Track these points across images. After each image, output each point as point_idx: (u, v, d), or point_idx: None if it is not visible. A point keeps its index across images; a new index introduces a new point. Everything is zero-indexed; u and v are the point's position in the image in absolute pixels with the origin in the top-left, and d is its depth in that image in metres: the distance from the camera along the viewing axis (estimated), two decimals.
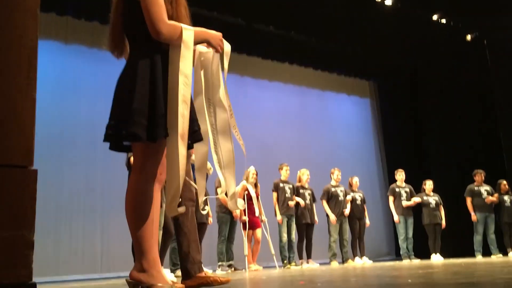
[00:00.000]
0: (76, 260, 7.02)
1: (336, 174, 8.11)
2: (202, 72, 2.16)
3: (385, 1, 9.20)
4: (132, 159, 3.14)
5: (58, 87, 7.27)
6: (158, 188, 2.02)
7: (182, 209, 1.94)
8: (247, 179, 7.08)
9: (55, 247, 6.78)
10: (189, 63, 1.94)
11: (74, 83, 7.63)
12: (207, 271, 6.53)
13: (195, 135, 2.02)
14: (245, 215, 6.90)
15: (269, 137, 9.52)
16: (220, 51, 2.16)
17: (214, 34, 2.13)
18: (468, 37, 10.51)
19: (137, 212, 1.93)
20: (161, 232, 3.98)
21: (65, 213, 7.06)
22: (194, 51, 2.11)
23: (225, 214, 6.77)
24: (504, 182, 8.33)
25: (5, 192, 1.41)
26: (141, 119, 1.86)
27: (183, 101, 1.88)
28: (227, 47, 2.21)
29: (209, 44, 2.13)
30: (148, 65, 1.93)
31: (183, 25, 1.96)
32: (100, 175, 7.39)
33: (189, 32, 1.96)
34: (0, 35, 1.51)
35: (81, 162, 7.34)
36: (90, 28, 7.77)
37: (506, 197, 8.22)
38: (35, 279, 1.39)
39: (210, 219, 6.54)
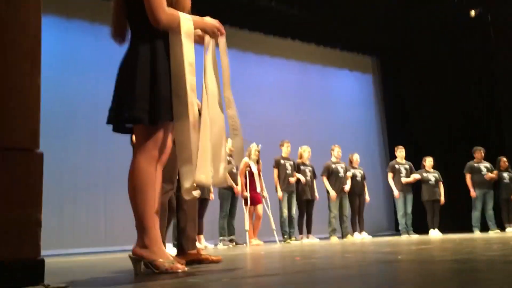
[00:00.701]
0: (80, 234, 7.19)
1: (337, 151, 8.19)
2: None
3: None
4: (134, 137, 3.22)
5: (58, 63, 7.26)
6: (160, 169, 2.10)
7: (197, 193, 2.04)
8: (249, 156, 7.18)
9: (60, 222, 6.92)
10: (191, 51, 1.99)
11: (75, 59, 7.65)
12: (207, 245, 6.69)
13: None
14: (246, 191, 7.02)
15: (270, 113, 9.57)
16: (215, 37, 2.19)
17: (210, 23, 2.17)
18: (472, 12, 10.39)
19: (138, 191, 2.02)
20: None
21: (69, 188, 7.18)
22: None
23: (226, 190, 6.88)
24: (504, 159, 8.40)
25: (13, 174, 1.50)
26: (142, 103, 1.93)
27: (192, 90, 1.95)
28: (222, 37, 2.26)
29: (205, 31, 2.17)
30: (149, 51, 1.99)
31: (182, 14, 2.01)
32: (103, 151, 7.47)
33: (188, 21, 2.01)
34: (6, 28, 1.57)
35: (84, 138, 7.43)
36: (91, 3, 7.77)
37: (505, 174, 8.30)
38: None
39: (212, 195, 6.66)
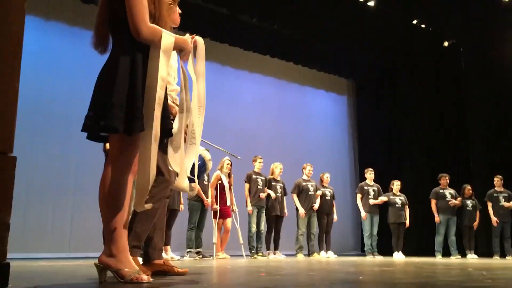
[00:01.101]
0: (45, 238, 7.05)
1: (308, 169, 8.30)
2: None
3: (368, 2, 9.37)
4: (108, 146, 3.23)
5: (35, 63, 7.18)
6: (131, 179, 2.12)
7: (148, 206, 2.07)
8: (221, 169, 7.21)
9: (25, 224, 6.78)
10: (166, 67, 2.05)
11: (52, 60, 7.57)
12: (174, 256, 6.63)
13: (166, 132, 2.13)
14: (217, 203, 7.03)
15: (246, 127, 9.65)
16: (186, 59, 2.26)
17: (189, 42, 2.22)
18: (446, 43, 10.78)
19: (109, 200, 2.04)
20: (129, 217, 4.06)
21: (37, 190, 7.05)
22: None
23: (196, 202, 6.88)
24: (469, 187, 8.66)
25: None
26: (119, 112, 1.96)
27: (158, 104, 2.00)
28: (200, 42, 2.33)
29: (183, 50, 2.21)
30: (129, 62, 2.02)
31: (164, 31, 2.06)
32: (74, 155, 7.38)
33: (169, 38, 2.07)
34: None
35: (56, 141, 7.32)
36: (71, 5, 7.73)
37: (468, 202, 8.56)
38: None
39: (182, 206, 6.65)
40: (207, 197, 6.91)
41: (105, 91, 2.00)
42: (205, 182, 6.89)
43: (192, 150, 2.29)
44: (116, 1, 2.05)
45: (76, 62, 7.50)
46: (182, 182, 2.22)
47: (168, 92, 2.39)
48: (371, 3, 9.37)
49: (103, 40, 2.15)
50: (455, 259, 7.76)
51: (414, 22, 10.12)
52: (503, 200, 8.37)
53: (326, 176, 8.67)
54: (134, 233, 2.60)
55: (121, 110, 1.97)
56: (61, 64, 7.61)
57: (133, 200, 2.09)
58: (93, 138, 2.10)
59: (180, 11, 2.69)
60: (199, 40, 2.38)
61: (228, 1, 8.70)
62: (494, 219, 8.29)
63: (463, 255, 8.41)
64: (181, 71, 2.29)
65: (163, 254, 2.92)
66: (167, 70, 2.06)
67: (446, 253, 8.41)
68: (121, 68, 2.01)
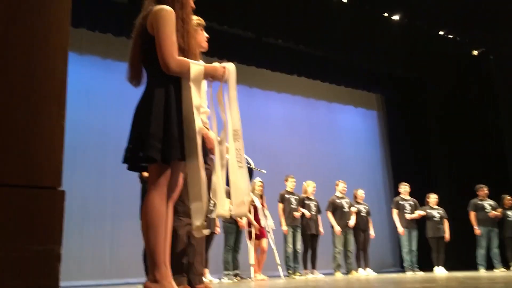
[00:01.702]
0: (86, 266, 7.21)
1: (341, 186, 8.25)
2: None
3: (392, 16, 9.37)
4: (144, 173, 3.33)
5: (70, 95, 7.44)
6: (171, 205, 2.21)
7: (207, 231, 2.14)
8: (253, 191, 7.24)
9: (66, 253, 6.95)
10: (198, 96, 2.14)
11: (87, 92, 7.84)
12: (212, 279, 6.68)
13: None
14: (253, 225, 7.04)
15: (276, 147, 9.69)
16: (224, 78, 2.31)
17: (219, 68, 2.29)
18: (475, 52, 10.62)
19: (150, 227, 2.12)
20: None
21: (76, 219, 7.24)
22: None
23: (231, 223, 6.92)
24: (508, 197, 8.42)
25: (37, 211, 1.60)
26: (156, 143, 2.06)
27: (198, 132, 2.09)
28: (231, 68, 2.35)
29: (214, 78, 2.28)
30: (163, 94, 2.13)
31: (192, 61, 2.15)
32: (110, 183, 7.57)
33: (198, 68, 2.15)
34: (36, 70, 1.70)
35: (92, 170, 7.54)
36: (104, 39, 8.03)
37: (509, 212, 8.31)
38: None
39: (218, 229, 6.70)
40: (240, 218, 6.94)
41: (142, 123, 2.10)
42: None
43: (244, 173, 2.34)
44: (147, 38, 2.16)
45: (109, 92, 7.75)
46: (222, 208, 2.27)
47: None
48: (395, 17, 9.36)
49: (137, 74, 2.26)
50: (499, 272, 7.52)
51: (441, 33, 10.04)
52: None
53: (360, 192, 8.58)
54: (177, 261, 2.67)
55: (158, 140, 2.06)
56: (95, 95, 7.87)
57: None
58: (133, 168, 2.20)
59: (207, 35, 2.79)
60: (230, 66, 2.40)
61: (253, 25, 8.85)
62: None
63: (507, 267, 8.13)
64: (210, 95, 2.36)
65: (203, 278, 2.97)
66: (199, 98, 2.14)
67: (490, 266, 8.15)
68: (156, 100, 2.11)
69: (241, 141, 2.33)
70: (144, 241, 2.14)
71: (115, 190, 7.58)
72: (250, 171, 3.48)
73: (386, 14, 9.36)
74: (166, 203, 2.15)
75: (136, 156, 2.10)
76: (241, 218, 6.69)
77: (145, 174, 3.05)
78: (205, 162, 2.26)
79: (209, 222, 6.44)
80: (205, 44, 2.80)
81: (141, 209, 2.18)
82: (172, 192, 2.19)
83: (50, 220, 1.64)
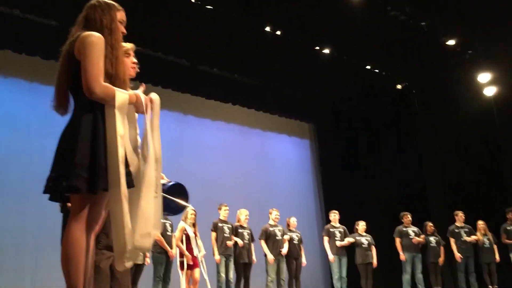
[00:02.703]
0: None
1: (274, 214, 8.31)
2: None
3: (322, 50, 9.77)
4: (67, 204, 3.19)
5: None
6: (93, 238, 2.12)
7: (129, 265, 2.06)
8: (185, 219, 7.11)
9: None
10: (123, 125, 2.09)
11: (10, 117, 7.47)
12: None
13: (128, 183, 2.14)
14: (185, 255, 6.85)
15: (210, 175, 9.64)
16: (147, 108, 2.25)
17: (140, 98, 2.22)
18: (399, 86, 11.29)
19: (70, 258, 2.02)
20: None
21: None
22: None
23: (160, 254, 6.72)
24: (430, 223, 8.86)
25: None
26: (81, 172, 1.98)
27: (122, 162, 2.03)
28: (154, 97, 2.29)
29: (137, 107, 2.23)
30: (91, 121, 2.07)
31: (117, 89, 2.11)
32: (33, 213, 7.16)
33: (122, 96, 2.12)
34: None
35: (14, 199, 7.11)
36: (31, 62, 7.71)
37: (431, 238, 8.73)
38: None
39: (148, 260, 6.48)
40: (171, 248, 6.75)
41: (67, 151, 2.02)
42: (168, 233, 6.77)
43: (157, 204, 2.25)
44: (74, 64, 2.10)
45: (34, 117, 7.41)
46: (147, 241, 2.18)
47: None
48: (326, 51, 9.77)
49: (64, 102, 2.18)
50: None
51: (368, 67, 10.58)
52: (465, 235, 8.59)
53: (293, 220, 8.68)
54: None
55: (83, 169, 1.99)
56: (19, 120, 7.50)
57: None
58: (55, 199, 2.10)
59: (135, 60, 2.61)
60: (154, 97, 2.30)
61: (188, 52, 8.88)
62: (457, 255, 8.45)
63: None
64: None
65: None
66: (123, 127, 2.09)
67: None
68: (82, 128, 2.05)
69: (160, 170, 2.27)
70: (63, 273, 2.03)
71: (38, 221, 7.17)
72: (186, 196, 3.35)
73: (317, 48, 9.74)
74: (88, 235, 2.06)
75: (59, 185, 2.01)
76: (143, 252, 6.49)
77: (69, 204, 2.92)
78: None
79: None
80: (132, 72, 2.64)
81: (62, 241, 2.07)
82: (95, 224, 2.11)
83: None
